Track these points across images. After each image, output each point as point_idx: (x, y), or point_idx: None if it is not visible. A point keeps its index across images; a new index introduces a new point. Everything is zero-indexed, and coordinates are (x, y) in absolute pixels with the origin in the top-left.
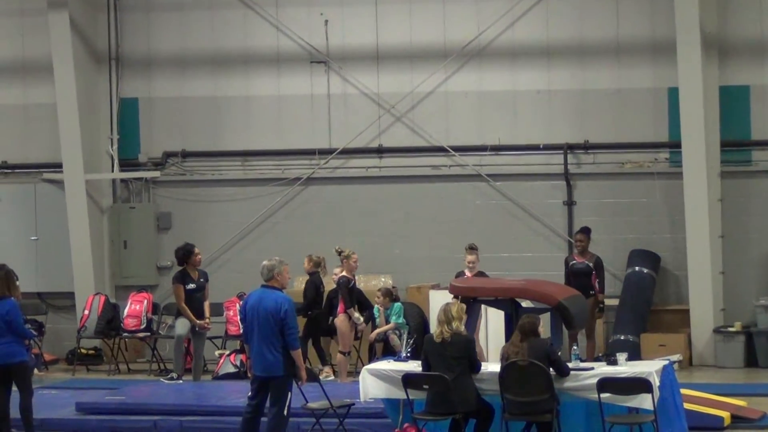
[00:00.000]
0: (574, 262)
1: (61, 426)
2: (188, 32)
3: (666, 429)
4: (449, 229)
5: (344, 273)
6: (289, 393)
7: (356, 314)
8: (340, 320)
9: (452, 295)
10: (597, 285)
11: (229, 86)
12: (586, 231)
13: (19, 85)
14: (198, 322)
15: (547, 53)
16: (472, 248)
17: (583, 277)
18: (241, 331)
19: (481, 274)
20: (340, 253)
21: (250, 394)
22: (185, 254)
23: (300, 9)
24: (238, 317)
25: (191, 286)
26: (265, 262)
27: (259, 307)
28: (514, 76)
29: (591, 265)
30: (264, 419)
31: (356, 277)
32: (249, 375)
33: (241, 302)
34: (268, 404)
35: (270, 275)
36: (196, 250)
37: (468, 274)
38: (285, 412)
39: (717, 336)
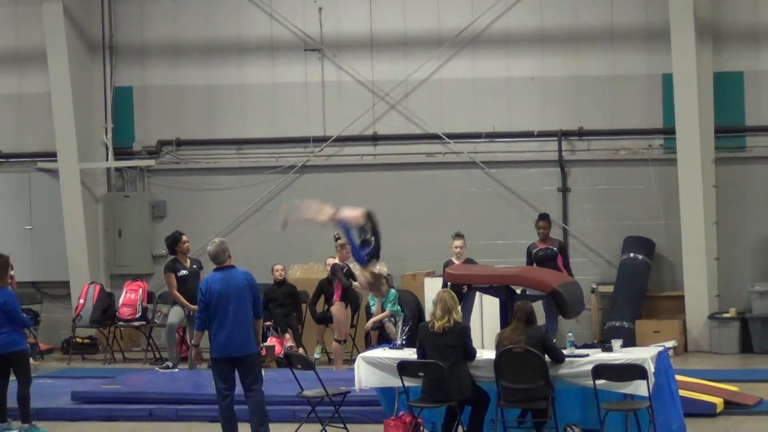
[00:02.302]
0: (537, 249)
1: (58, 415)
2: (182, 20)
3: (661, 415)
4: (444, 216)
5: (337, 261)
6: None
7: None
8: (336, 308)
9: (448, 283)
10: (565, 269)
11: (223, 74)
12: (546, 217)
13: (13, 74)
14: (192, 306)
15: (542, 40)
16: (459, 235)
17: (548, 263)
18: (198, 316)
19: (469, 261)
20: (337, 239)
21: (222, 382)
22: (173, 242)
23: None
24: (199, 304)
25: (183, 273)
26: (213, 247)
27: (229, 287)
28: (509, 63)
29: (555, 249)
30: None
31: (349, 266)
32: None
33: None
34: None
35: (225, 256)
36: (184, 238)
37: (456, 261)
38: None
39: (712, 322)
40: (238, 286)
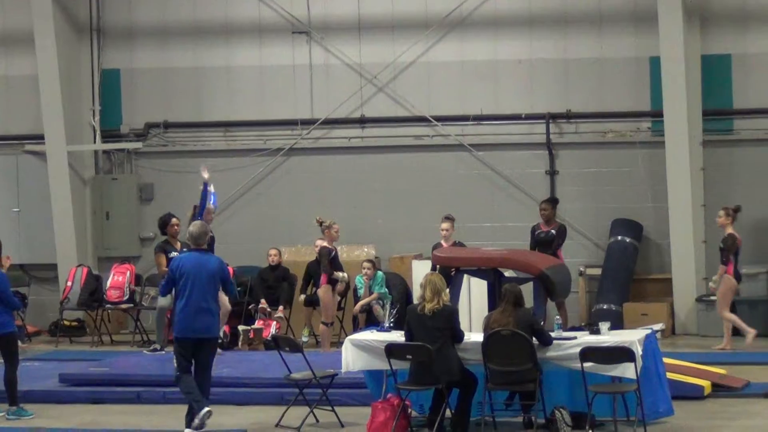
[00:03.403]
0: (539, 231)
1: (45, 397)
2: (170, 3)
3: (649, 398)
4: (432, 199)
5: (325, 243)
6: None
7: (340, 273)
8: (323, 291)
9: (436, 266)
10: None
11: (210, 57)
12: (548, 200)
13: (0, 57)
14: None
15: (529, 23)
16: (447, 218)
17: (547, 246)
18: (164, 286)
19: (457, 243)
20: (321, 224)
21: (185, 360)
22: (163, 224)
23: None
24: (167, 276)
25: (173, 254)
26: (195, 229)
27: (200, 270)
28: (496, 46)
29: (553, 232)
30: None
31: (338, 248)
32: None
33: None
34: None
35: (205, 239)
36: (174, 221)
37: (444, 244)
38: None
39: (699, 305)
40: (209, 270)
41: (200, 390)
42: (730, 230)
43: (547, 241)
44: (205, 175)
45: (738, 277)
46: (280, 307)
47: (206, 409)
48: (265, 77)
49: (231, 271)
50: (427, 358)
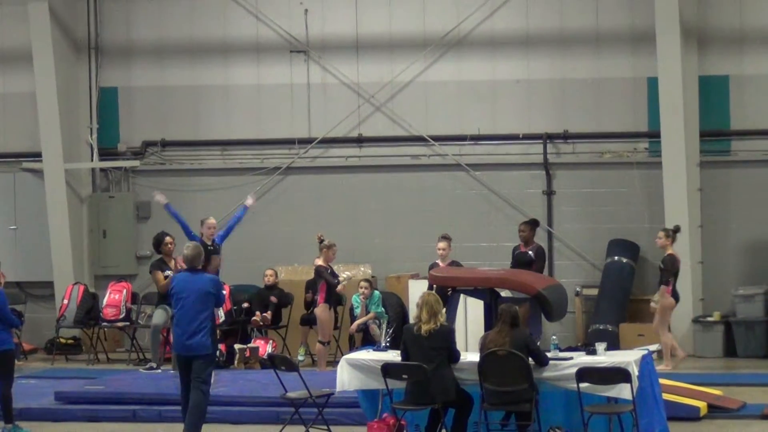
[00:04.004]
0: (518, 252)
1: (41, 415)
2: (167, 21)
3: (644, 419)
4: (428, 218)
5: (320, 262)
6: (212, 370)
7: (343, 275)
8: (320, 310)
9: (433, 285)
10: None
11: (208, 75)
12: (527, 222)
13: None
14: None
15: (527, 43)
16: (444, 237)
17: (524, 267)
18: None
19: (454, 263)
20: (321, 241)
21: (184, 375)
22: (157, 243)
23: None
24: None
25: (168, 273)
26: (189, 252)
27: (191, 289)
28: (494, 66)
29: (531, 254)
30: None
31: (332, 268)
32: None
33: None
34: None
35: (199, 261)
36: (167, 239)
37: (441, 263)
38: (209, 390)
39: (696, 326)
40: (200, 290)
41: (190, 412)
42: (670, 251)
43: (525, 262)
44: (162, 201)
45: (676, 297)
46: (266, 314)
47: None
48: (262, 96)
49: (227, 289)
50: (423, 377)
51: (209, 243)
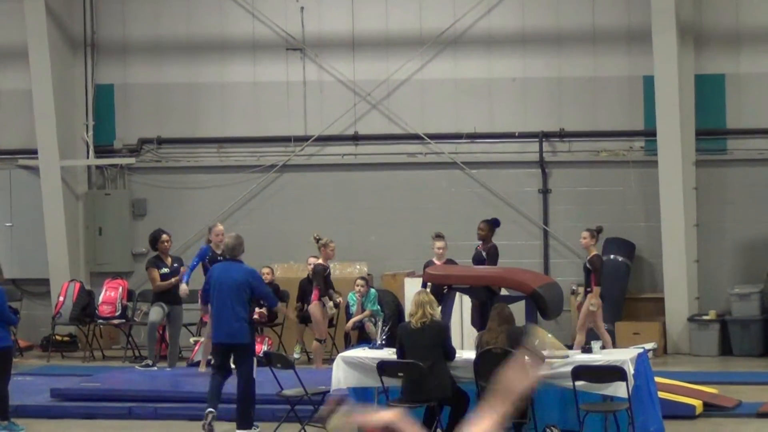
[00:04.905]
0: (477, 250)
1: (37, 412)
2: (164, 19)
3: (640, 417)
4: (424, 216)
5: (320, 261)
6: (254, 358)
7: (330, 302)
8: (313, 307)
9: (427, 284)
10: None
11: (204, 73)
12: (489, 221)
13: None
14: (183, 286)
15: (523, 41)
16: (439, 236)
17: (480, 264)
18: (205, 299)
19: (449, 261)
20: (318, 240)
21: (218, 362)
22: (153, 240)
23: None
24: (204, 287)
25: (164, 270)
26: (230, 240)
27: (226, 279)
28: (490, 64)
29: (484, 254)
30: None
31: (331, 266)
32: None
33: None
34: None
35: (240, 250)
36: (164, 237)
37: (437, 261)
38: (253, 375)
39: (691, 324)
40: (235, 280)
41: (239, 394)
42: (594, 251)
43: (480, 261)
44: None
45: (602, 297)
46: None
47: (208, 410)
48: (258, 94)
49: None
50: (419, 375)
51: (219, 251)
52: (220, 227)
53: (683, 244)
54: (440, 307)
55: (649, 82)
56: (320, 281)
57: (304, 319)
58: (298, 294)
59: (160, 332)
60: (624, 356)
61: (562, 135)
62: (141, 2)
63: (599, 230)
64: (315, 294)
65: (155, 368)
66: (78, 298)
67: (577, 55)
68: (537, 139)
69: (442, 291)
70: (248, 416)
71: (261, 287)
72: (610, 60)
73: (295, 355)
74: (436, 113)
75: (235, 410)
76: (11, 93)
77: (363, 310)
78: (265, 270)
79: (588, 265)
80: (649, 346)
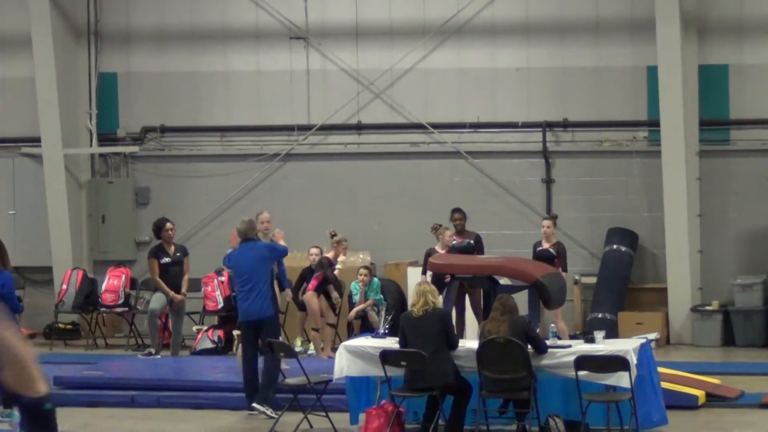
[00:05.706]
0: (454, 242)
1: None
2: (167, 7)
3: (643, 407)
4: (427, 206)
5: (329, 255)
6: (281, 331)
7: (335, 293)
8: (308, 297)
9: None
10: None
11: (208, 62)
12: (459, 210)
13: None
14: (173, 294)
15: (527, 31)
16: (443, 226)
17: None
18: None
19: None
20: (333, 236)
21: (249, 346)
22: (157, 228)
23: None
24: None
25: (166, 260)
26: (242, 225)
27: (244, 258)
28: (494, 54)
29: (471, 242)
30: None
31: (339, 263)
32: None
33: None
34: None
35: (253, 233)
36: (168, 225)
37: (439, 250)
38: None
39: (694, 315)
40: (253, 257)
41: (262, 375)
42: (554, 239)
43: (466, 251)
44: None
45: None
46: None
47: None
48: (262, 82)
49: (226, 275)
50: (422, 364)
51: (267, 239)
52: (265, 215)
53: (686, 235)
54: (441, 296)
55: (652, 73)
56: (328, 272)
57: (304, 306)
58: (297, 281)
59: (162, 320)
60: (627, 346)
61: (566, 125)
62: None
63: (555, 217)
64: (312, 284)
65: (158, 356)
66: (81, 286)
67: (580, 45)
68: (540, 129)
69: (443, 280)
70: (267, 394)
71: (281, 257)
72: (614, 50)
73: (297, 349)
74: (440, 103)
75: (261, 384)
76: (15, 81)
77: (366, 300)
78: (314, 250)
79: (554, 252)
80: (652, 336)
